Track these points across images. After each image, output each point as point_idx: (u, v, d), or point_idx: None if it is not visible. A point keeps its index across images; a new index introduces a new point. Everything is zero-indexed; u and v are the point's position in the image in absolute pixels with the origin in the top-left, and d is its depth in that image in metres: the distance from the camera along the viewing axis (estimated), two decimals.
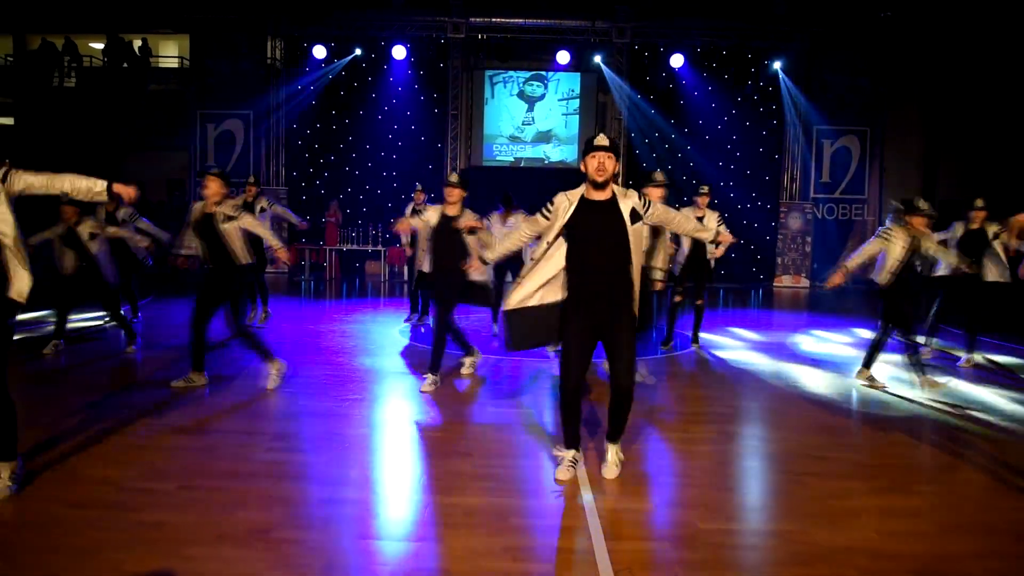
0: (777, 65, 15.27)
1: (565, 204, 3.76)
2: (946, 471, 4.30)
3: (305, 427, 4.94)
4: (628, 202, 3.72)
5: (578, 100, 16.02)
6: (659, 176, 6.30)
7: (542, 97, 16.04)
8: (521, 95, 16.05)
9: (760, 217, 15.80)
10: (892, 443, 4.84)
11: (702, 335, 8.10)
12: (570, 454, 3.99)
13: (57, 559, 3.01)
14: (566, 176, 16.08)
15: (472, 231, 5.68)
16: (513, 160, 16.18)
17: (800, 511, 3.69)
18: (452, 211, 5.80)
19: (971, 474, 4.26)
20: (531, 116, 16.09)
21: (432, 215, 5.85)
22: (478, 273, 5.30)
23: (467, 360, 6.50)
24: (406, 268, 14.33)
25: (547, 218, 3.83)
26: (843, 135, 15.88)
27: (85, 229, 6.81)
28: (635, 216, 3.73)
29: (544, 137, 16.11)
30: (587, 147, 3.69)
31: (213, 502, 3.60)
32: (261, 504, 3.60)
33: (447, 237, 5.75)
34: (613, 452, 4.04)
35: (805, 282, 15.38)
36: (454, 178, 5.87)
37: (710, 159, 15.68)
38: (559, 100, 16.03)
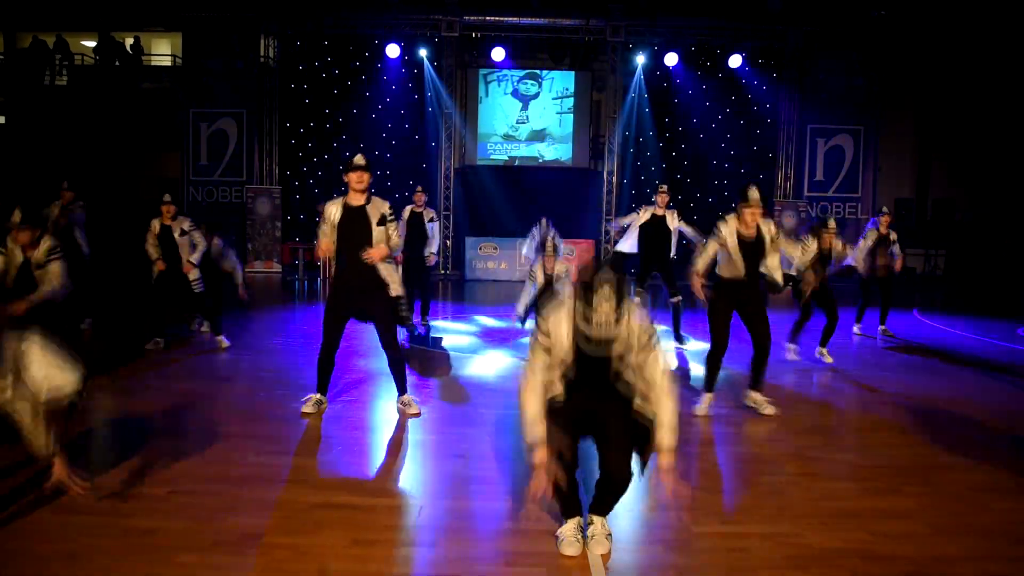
0: (771, 64, 15.28)
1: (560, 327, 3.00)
2: (939, 472, 4.31)
3: (297, 430, 4.91)
4: (626, 328, 2.93)
5: (572, 99, 16.01)
6: (754, 195, 5.13)
7: (536, 96, 16.03)
8: (515, 94, 16.04)
9: None
10: (885, 444, 4.85)
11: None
12: (573, 523, 3.22)
13: (47, 566, 2.99)
14: (560, 174, 16.11)
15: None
16: (507, 159, 16.16)
17: (793, 513, 3.69)
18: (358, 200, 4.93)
19: (964, 475, 4.27)
20: (525, 115, 16.07)
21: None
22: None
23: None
24: (400, 268, 14.31)
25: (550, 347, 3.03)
26: (837, 134, 15.93)
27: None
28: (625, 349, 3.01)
29: (538, 136, 16.09)
30: (586, 298, 2.78)
31: (205, 507, 3.57)
32: (253, 509, 3.58)
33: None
34: (600, 524, 3.23)
35: None
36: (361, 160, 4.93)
37: (704, 157, 15.70)
38: (553, 99, 16.02)
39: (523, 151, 16.14)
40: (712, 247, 5.30)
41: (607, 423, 3.09)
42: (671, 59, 15.21)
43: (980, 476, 4.26)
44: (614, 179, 15.81)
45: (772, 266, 5.30)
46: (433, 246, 8.62)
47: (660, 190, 7.83)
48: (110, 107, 16.48)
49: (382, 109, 15.65)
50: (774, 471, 4.32)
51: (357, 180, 4.84)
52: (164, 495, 3.70)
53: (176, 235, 6.95)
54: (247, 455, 4.34)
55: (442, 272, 15.58)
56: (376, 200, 4.97)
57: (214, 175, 15.77)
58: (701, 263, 5.34)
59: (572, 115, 16.05)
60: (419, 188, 8.82)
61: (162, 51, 18.16)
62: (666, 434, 3.00)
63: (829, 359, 7.16)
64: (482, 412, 5.46)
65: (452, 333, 8.72)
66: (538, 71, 15.95)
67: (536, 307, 7.03)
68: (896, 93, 16.44)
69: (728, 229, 5.20)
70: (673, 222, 7.74)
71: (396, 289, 5.02)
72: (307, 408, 5.15)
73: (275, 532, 3.35)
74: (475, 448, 4.64)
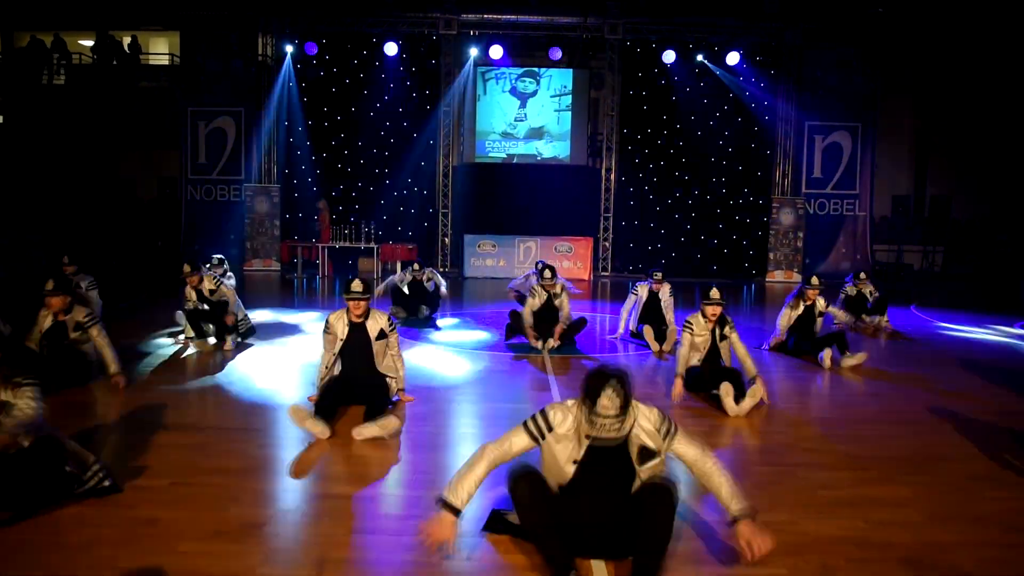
0: (769, 61, 15.30)
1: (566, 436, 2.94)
2: (935, 463, 4.34)
3: (296, 424, 4.93)
4: (640, 432, 2.94)
5: (570, 96, 16.03)
6: (715, 294, 5.62)
7: (535, 93, 16.03)
8: (514, 91, 16.05)
9: (752, 213, 15.85)
10: (882, 436, 4.88)
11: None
12: None
13: (51, 556, 3.01)
14: (558, 172, 16.13)
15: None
16: (506, 156, 16.18)
17: (790, 502, 3.72)
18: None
19: (960, 466, 4.30)
20: (524, 112, 16.08)
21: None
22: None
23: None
24: (399, 264, 14.36)
25: (538, 437, 2.99)
26: (835, 130, 15.94)
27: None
28: (646, 455, 2.95)
29: (537, 133, 16.11)
30: (591, 398, 2.78)
31: (206, 498, 3.60)
32: (254, 500, 3.61)
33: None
34: None
35: (797, 277, 15.43)
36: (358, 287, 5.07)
37: (702, 155, 15.71)
38: (552, 96, 16.04)
39: (521, 149, 16.16)
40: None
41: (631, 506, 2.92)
42: (669, 56, 15.23)
43: (976, 466, 4.29)
44: (612, 176, 15.84)
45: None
46: (442, 290, 9.39)
47: (655, 277, 7.92)
48: (108, 106, 16.48)
49: (380, 107, 15.64)
50: (771, 461, 4.35)
51: (355, 308, 5.07)
52: (165, 486, 3.73)
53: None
54: (247, 448, 4.37)
55: (441, 270, 15.62)
56: (375, 313, 5.18)
57: (212, 173, 15.77)
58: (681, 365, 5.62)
59: (570, 113, 16.07)
60: (415, 264, 9.45)
61: (160, 50, 18.17)
62: (731, 502, 2.92)
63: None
64: (480, 406, 5.49)
65: (451, 329, 8.76)
66: (536, 68, 15.96)
67: (536, 321, 7.42)
68: (894, 90, 16.47)
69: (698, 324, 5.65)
70: (666, 294, 7.86)
71: (399, 384, 5.32)
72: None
73: (275, 522, 3.38)
74: (473, 440, 4.67)
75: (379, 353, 5.19)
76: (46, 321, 5.66)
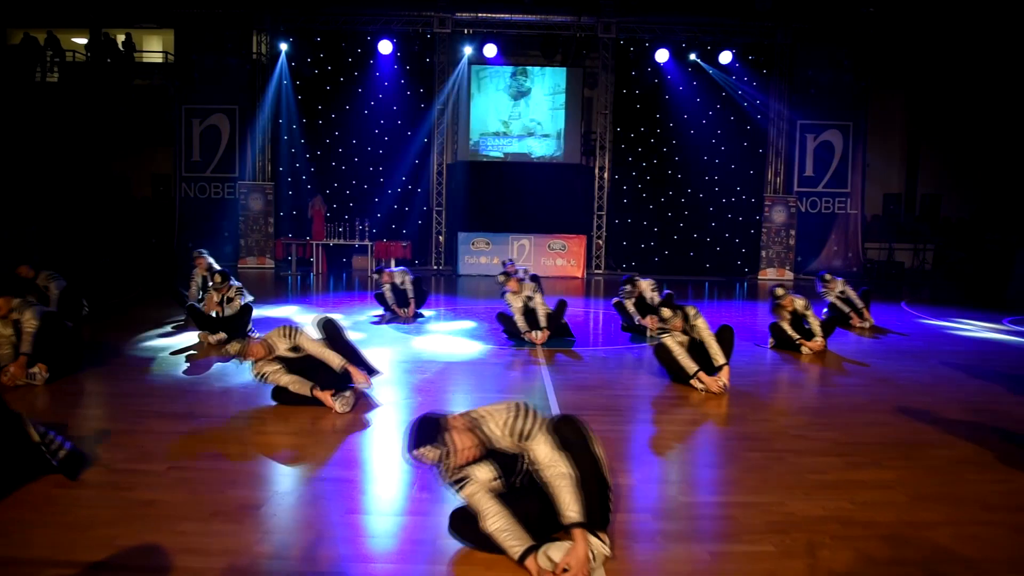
0: (761, 60, 15.42)
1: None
2: (919, 449, 4.43)
3: (294, 412, 4.99)
4: (497, 441, 2.96)
5: (564, 95, 16.11)
6: (667, 313, 5.79)
7: (528, 92, 16.11)
8: (507, 90, 16.12)
9: (744, 211, 15.96)
10: (868, 424, 4.96)
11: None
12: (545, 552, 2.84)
13: (50, 535, 3.06)
14: (552, 170, 16.22)
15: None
16: (500, 155, 16.24)
17: (777, 484, 3.80)
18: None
19: (943, 451, 4.39)
20: (518, 111, 16.15)
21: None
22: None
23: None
24: (392, 262, 14.42)
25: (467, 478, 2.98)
26: (826, 129, 16.07)
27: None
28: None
29: (530, 132, 16.18)
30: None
31: (203, 482, 3.65)
32: (250, 483, 3.67)
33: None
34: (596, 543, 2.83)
35: (789, 275, 15.57)
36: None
37: (695, 154, 15.82)
38: (545, 95, 16.12)
39: (515, 147, 16.23)
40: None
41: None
42: (662, 56, 15.34)
43: (958, 452, 4.38)
44: (605, 175, 15.93)
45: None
46: (411, 305, 9.13)
47: (634, 287, 8.29)
48: (102, 104, 16.47)
49: (374, 105, 15.69)
50: (760, 448, 4.43)
51: (261, 356, 5.02)
52: (164, 470, 3.78)
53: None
54: (244, 435, 4.43)
55: (435, 268, 15.69)
56: (273, 339, 5.05)
57: (206, 171, 15.78)
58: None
59: (564, 111, 16.15)
60: (375, 272, 9.61)
61: (154, 48, 18.17)
62: (568, 508, 2.76)
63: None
64: (475, 396, 5.55)
65: (444, 324, 8.82)
66: (530, 67, 16.04)
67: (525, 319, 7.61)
68: (885, 88, 16.62)
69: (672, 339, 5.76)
70: (648, 293, 8.22)
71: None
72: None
73: (272, 503, 3.43)
74: None
75: (318, 353, 5.12)
76: (7, 329, 5.44)
